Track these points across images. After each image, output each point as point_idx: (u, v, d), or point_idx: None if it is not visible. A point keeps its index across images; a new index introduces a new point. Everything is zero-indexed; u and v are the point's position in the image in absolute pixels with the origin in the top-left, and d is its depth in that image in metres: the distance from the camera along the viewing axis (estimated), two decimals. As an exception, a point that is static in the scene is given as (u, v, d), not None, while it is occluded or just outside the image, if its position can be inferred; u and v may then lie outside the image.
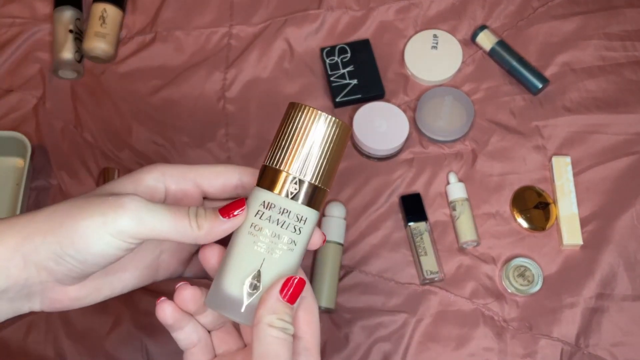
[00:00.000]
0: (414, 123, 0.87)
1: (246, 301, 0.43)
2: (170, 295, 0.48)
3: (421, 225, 0.81)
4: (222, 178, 0.47)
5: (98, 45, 0.90)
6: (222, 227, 0.43)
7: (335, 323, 0.78)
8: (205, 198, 0.49)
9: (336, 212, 0.81)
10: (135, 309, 0.79)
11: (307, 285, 0.45)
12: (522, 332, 0.77)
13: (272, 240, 0.42)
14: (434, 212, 0.83)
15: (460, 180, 0.84)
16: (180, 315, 0.46)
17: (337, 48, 0.91)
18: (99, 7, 0.91)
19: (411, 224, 0.81)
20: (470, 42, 0.92)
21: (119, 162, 0.86)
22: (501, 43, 0.89)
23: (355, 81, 0.89)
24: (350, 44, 0.91)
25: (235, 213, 0.43)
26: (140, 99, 0.90)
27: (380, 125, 0.85)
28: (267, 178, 0.43)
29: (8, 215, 0.83)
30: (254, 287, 0.42)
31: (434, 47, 0.91)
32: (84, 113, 0.89)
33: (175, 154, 0.87)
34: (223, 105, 0.90)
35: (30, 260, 0.42)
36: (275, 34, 0.93)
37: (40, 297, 0.44)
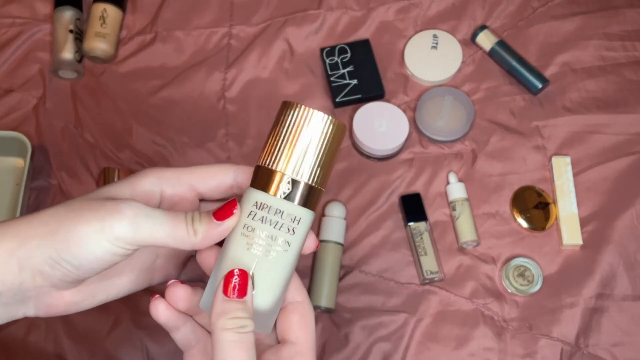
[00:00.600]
0: (414, 123, 0.87)
1: None
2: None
3: (421, 225, 0.81)
4: (216, 179, 0.47)
5: (98, 45, 0.90)
6: (216, 230, 0.42)
7: (335, 323, 0.78)
8: (202, 200, 0.48)
9: (336, 212, 0.81)
10: (135, 309, 0.79)
11: (302, 289, 0.45)
12: (522, 332, 0.77)
13: (265, 241, 0.41)
14: (434, 212, 0.83)
15: (460, 180, 0.84)
16: (174, 314, 0.46)
17: (337, 48, 0.91)
18: (99, 7, 0.91)
19: (411, 224, 0.81)
20: (470, 42, 0.92)
21: (119, 162, 0.86)
22: (501, 43, 0.89)
23: (355, 81, 0.89)
24: (350, 44, 0.91)
25: (231, 213, 0.42)
26: (140, 99, 0.90)
27: (380, 125, 0.85)
28: (261, 178, 0.42)
29: (8, 215, 0.84)
30: None
31: (434, 47, 0.91)
32: (84, 113, 0.89)
33: (175, 154, 0.87)
34: (223, 105, 0.90)
35: (25, 264, 0.41)
36: (275, 34, 0.93)
37: (35, 302, 0.44)
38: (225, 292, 0.41)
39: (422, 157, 0.86)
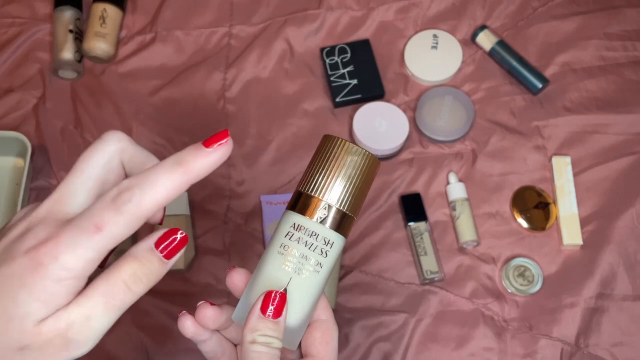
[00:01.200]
0: (414, 123, 0.87)
1: None
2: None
3: (421, 225, 0.81)
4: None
5: (98, 45, 0.90)
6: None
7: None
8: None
9: (336, 212, 0.81)
10: (135, 309, 0.79)
11: (328, 309, 0.46)
12: (522, 332, 0.77)
13: (299, 260, 0.43)
14: (434, 212, 0.83)
15: (460, 180, 0.84)
16: (201, 330, 0.46)
17: (337, 48, 0.91)
18: (99, 7, 0.91)
19: (411, 224, 0.81)
20: (470, 42, 0.92)
21: (119, 162, 0.86)
22: (501, 43, 0.89)
23: (355, 81, 0.89)
24: (350, 44, 0.91)
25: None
26: (140, 99, 0.90)
27: (380, 125, 0.85)
28: (300, 202, 0.45)
29: (8, 215, 0.84)
30: None
31: (434, 47, 0.91)
32: (84, 113, 0.89)
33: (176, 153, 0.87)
34: (223, 105, 0.90)
35: None
36: (275, 34, 0.93)
37: None
38: (263, 311, 0.42)
39: (422, 157, 0.86)
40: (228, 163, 0.86)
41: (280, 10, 0.94)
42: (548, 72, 0.89)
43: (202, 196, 0.84)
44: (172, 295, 0.79)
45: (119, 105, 0.90)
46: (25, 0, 0.95)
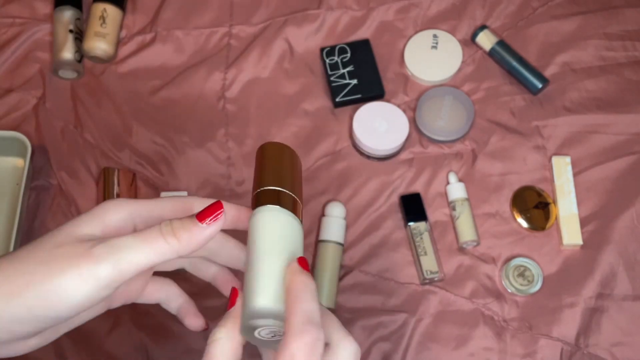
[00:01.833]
0: (414, 123, 0.87)
1: None
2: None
3: (421, 225, 0.81)
4: (186, 211, 0.46)
5: (98, 45, 0.90)
6: (203, 233, 0.41)
7: (335, 323, 0.78)
8: None
9: (336, 212, 0.81)
10: (135, 309, 0.79)
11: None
12: (522, 332, 0.77)
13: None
14: (434, 212, 0.83)
15: (460, 180, 0.84)
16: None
17: (337, 48, 0.91)
18: (99, 7, 0.91)
19: (411, 223, 0.81)
20: (470, 42, 0.92)
21: (119, 162, 0.86)
22: (501, 43, 0.89)
23: (355, 81, 0.89)
24: (350, 44, 0.91)
25: (217, 215, 0.42)
26: (140, 99, 0.90)
27: (380, 125, 0.85)
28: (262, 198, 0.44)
29: (8, 215, 0.84)
30: None
31: (434, 47, 0.91)
32: (84, 113, 0.89)
33: (175, 154, 0.87)
34: (223, 105, 0.90)
35: None
36: (275, 34, 0.93)
37: None
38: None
39: (422, 157, 0.86)
40: (228, 163, 0.86)
41: (280, 10, 0.94)
42: (548, 72, 0.89)
43: (202, 196, 0.84)
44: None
45: (119, 105, 0.90)
46: (25, 0, 0.95)
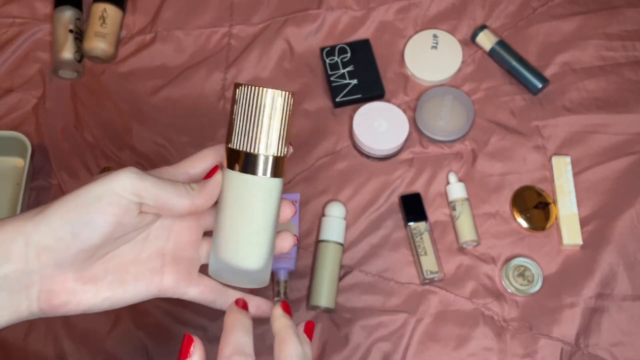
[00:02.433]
0: (414, 123, 0.87)
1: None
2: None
3: (421, 225, 0.81)
4: (205, 161, 0.51)
5: (98, 45, 0.90)
6: (209, 184, 0.48)
7: (335, 323, 0.79)
8: None
9: (336, 212, 0.81)
10: (135, 309, 0.79)
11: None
12: (522, 332, 0.77)
13: (247, 212, 0.48)
14: (434, 212, 0.83)
15: (460, 180, 0.84)
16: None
17: (337, 48, 0.91)
18: (99, 7, 0.91)
19: (411, 223, 0.81)
20: (470, 42, 0.92)
21: (119, 162, 0.86)
22: (501, 43, 0.89)
23: (355, 81, 0.89)
24: (350, 44, 0.91)
25: (215, 171, 0.48)
26: (140, 99, 0.90)
27: (380, 125, 0.85)
28: (236, 159, 0.47)
29: (8, 216, 0.84)
30: None
31: (434, 47, 0.91)
32: (84, 113, 0.89)
33: (175, 154, 0.87)
34: (223, 105, 0.90)
35: (31, 240, 0.43)
36: (275, 34, 0.93)
37: (39, 288, 0.45)
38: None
39: (422, 157, 0.86)
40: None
41: (280, 10, 0.94)
42: (548, 72, 0.89)
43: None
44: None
45: (119, 105, 0.90)
46: (25, 0, 0.95)
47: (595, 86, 0.88)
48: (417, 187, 0.85)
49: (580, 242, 0.80)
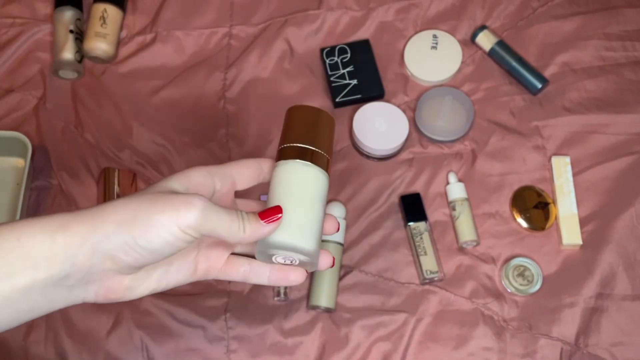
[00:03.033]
0: (414, 123, 0.87)
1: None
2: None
3: (421, 225, 0.81)
4: (250, 170, 0.54)
5: (98, 45, 0.90)
6: (262, 230, 0.49)
7: (335, 323, 0.79)
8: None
9: (336, 212, 0.81)
10: (135, 309, 0.79)
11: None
12: (522, 331, 0.77)
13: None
14: (434, 212, 0.83)
15: (460, 180, 0.84)
16: None
17: (337, 48, 0.91)
18: (100, 8, 0.91)
19: (411, 223, 0.81)
20: (470, 42, 0.92)
21: (120, 162, 0.87)
22: (501, 43, 0.89)
23: (355, 81, 0.89)
24: (350, 44, 0.91)
25: (276, 218, 0.49)
26: (140, 99, 0.90)
27: (380, 125, 0.85)
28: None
29: (8, 216, 0.84)
30: None
31: (434, 47, 0.91)
32: (85, 113, 0.89)
33: (175, 154, 0.87)
34: (223, 105, 0.90)
35: (98, 248, 0.45)
36: (275, 34, 0.93)
37: (98, 285, 0.47)
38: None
39: (422, 157, 0.86)
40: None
41: (280, 11, 0.94)
42: (548, 72, 0.89)
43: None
44: (173, 295, 0.79)
45: (119, 105, 0.90)
46: (25, 0, 0.95)
47: (595, 86, 0.88)
48: (417, 187, 0.85)
49: (579, 242, 0.80)
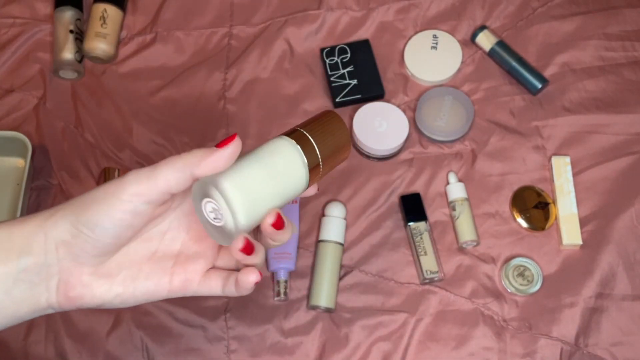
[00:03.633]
0: (414, 123, 0.87)
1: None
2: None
3: (421, 225, 0.81)
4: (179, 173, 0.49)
5: (98, 45, 0.90)
6: (215, 154, 0.47)
7: (335, 323, 0.79)
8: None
9: (336, 212, 0.81)
10: (135, 309, 0.79)
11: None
12: (522, 331, 0.77)
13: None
14: (434, 212, 0.83)
15: (460, 180, 0.84)
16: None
17: (337, 48, 0.91)
18: (100, 8, 0.91)
19: (411, 223, 0.81)
20: (469, 42, 0.92)
21: (120, 162, 0.87)
22: (501, 43, 0.89)
23: (355, 81, 0.89)
24: (350, 44, 0.91)
25: (230, 140, 0.47)
26: (140, 99, 0.90)
27: (380, 125, 0.85)
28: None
29: (8, 216, 0.84)
30: None
31: (434, 47, 0.91)
32: (85, 113, 0.89)
33: (176, 154, 0.87)
34: (223, 105, 0.90)
35: (50, 235, 0.46)
36: (275, 34, 0.93)
37: (57, 279, 0.47)
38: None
39: (422, 157, 0.86)
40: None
41: (280, 11, 0.94)
42: (547, 72, 0.89)
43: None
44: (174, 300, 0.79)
45: (119, 105, 0.90)
46: (25, 0, 0.95)
47: (594, 86, 0.88)
48: (417, 187, 0.85)
49: (579, 242, 0.80)
